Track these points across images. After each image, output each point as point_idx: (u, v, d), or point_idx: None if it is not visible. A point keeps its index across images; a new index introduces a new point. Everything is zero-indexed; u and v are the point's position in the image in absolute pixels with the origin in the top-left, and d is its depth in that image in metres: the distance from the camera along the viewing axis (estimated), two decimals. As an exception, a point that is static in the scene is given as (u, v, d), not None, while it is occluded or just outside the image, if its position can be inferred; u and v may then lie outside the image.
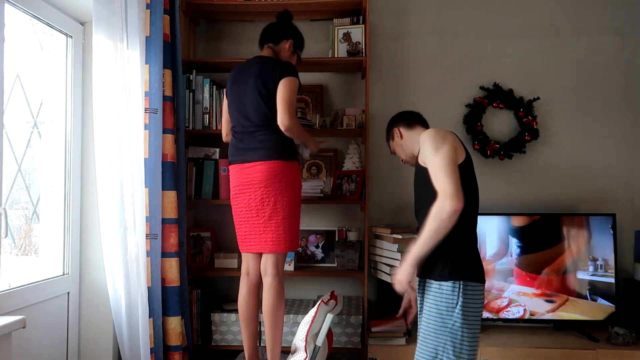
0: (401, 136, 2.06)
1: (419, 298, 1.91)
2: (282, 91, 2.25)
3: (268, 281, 2.29)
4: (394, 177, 3.05)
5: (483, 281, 1.79)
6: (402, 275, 1.80)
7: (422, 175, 1.83)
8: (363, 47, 2.84)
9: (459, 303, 1.72)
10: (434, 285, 1.79)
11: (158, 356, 2.34)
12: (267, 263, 2.30)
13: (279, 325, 2.31)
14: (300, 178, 2.41)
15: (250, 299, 2.37)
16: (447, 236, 1.72)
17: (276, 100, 2.25)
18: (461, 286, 1.73)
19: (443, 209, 1.67)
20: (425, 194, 1.79)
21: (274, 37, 2.45)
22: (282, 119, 2.22)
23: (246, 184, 2.29)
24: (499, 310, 2.76)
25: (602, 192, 3.03)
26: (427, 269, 1.82)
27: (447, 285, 1.75)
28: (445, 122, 1.89)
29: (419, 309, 1.91)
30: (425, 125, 2.08)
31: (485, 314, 2.76)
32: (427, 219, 1.72)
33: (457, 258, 1.77)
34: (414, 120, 2.08)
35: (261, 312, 2.44)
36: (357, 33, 2.87)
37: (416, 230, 1.88)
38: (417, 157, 1.94)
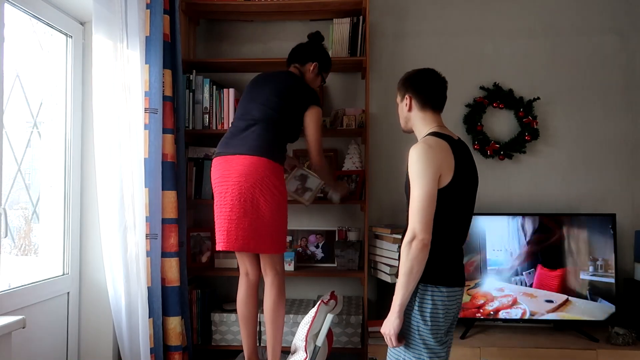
0: (409, 108, 1.88)
1: None
2: (312, 127, 2.36)
3: (269, 280, 2.30)
4: (394, 177, 3.05)
5: (451, 285, 1.74)
6: (388, 328, 1.72)
7: (410, 180, 1.81)
8: (363, 47, 2.83)
9: (416, 304, 1.72)
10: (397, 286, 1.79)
11: (158, 356, 2.34)
12: (265, 264, 2.30)
13: (280, 324, 2.31)
14: (284, 182, 2.31)
15: (249, 299, 2.37)
16: None
17: (305, 130, 2.37)
18: (418, 288, 1.72)
19: (412, 249, 1.66)
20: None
21: (300, 58, 2.49)
22: (314, 159, 2.40)
23: (226, 175, 2.21)
24: (500, 310, 2.76)
25: (602, 192, 3.03)
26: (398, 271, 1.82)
27: None
28: (445, 122, 1.87)
29: None
30: (437, 109, 1.87)
31: (486, 314, 2.76)
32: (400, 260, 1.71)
33: None
34: (429, 102, 1.85)
35: (261, 312, 2.45)
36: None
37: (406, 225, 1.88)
38: (410, 130, 1.92)
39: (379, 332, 2.67)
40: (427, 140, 1.76)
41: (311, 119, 2.37)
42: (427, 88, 1.86)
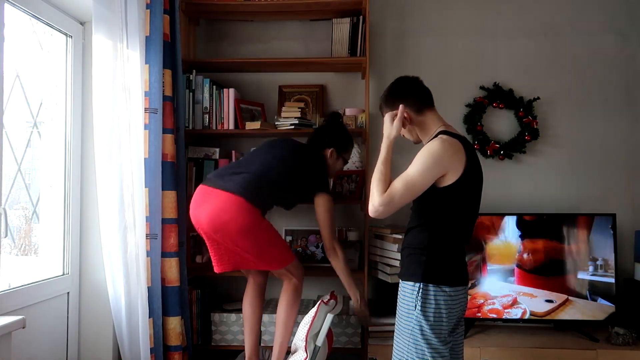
0: (410, 121, 1.89)
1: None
2: (323, 214, 2.36)
3: (284, 285, 2.39)
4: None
5: (454, 284, 1.75)
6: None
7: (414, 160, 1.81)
8: (363, 47, 2.83)
9: (418, 305, 1.72)
10: (400, 285, 1.82)
11: (158, 356, 2.34)
12: (279, 275, 2.39)
13: (289, 328, 2.37)
14: (257, 217, 2.25)
15: (255, 300, 2.41)
16: (415, 241, 1.79)
17: (316, 215, 2.38)
18: (420, 288, 1.73)
19: (370, 207, 1.78)
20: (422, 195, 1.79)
21: (319, 142, 2.52)
22: (329, 246, 2.37)
23: (199, 204, 2.28)
24: (499, 310, 2.75)
25: (602, 192, 3.02)
26: (400, 270, 1.85)
27: (407, 285, 1.77)
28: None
29: None
30: (432, 105, 1.92)
31: (486, 314, 2.76)
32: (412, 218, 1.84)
33: (420, 261, 1.76)
34: (425, 103, 1.90)
35: (268, 312, 2.49)
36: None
37: (407, 224, 1.91)
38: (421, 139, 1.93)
39: (379, 332, 2.69)
40: (446, 139, 1.76)
41: (321, 204, 2.37)
42: (418, 93, 1.90)
